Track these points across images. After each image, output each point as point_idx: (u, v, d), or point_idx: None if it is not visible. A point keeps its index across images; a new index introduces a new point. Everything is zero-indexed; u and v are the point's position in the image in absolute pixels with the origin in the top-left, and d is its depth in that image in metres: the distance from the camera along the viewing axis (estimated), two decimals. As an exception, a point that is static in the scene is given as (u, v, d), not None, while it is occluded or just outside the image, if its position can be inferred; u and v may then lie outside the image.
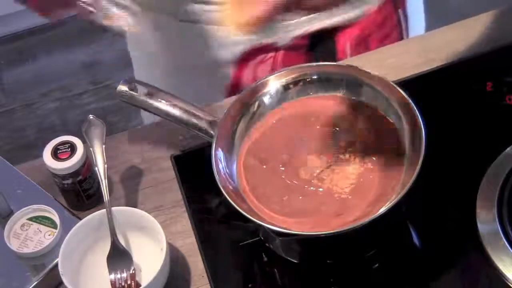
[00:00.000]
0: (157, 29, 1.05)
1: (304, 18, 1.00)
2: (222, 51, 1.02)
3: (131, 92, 0.89)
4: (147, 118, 1.07)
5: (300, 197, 0.81)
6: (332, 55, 1.03)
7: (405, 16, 1.07)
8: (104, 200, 0.85)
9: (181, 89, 0.97)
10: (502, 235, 0.82)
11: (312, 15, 1.00)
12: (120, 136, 1.01)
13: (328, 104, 0.88)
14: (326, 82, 0.89)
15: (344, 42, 1.03)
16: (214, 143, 0.84)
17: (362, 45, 1.03)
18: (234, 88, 1.04)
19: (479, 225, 0.84)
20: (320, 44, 1.03)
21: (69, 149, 0.88)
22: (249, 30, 0.96)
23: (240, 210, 0.78)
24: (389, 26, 1.05)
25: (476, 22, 1.06)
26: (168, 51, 1.08)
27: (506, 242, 0.81)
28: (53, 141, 0.90)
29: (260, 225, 0.79)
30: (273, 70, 1.03)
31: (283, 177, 0.83)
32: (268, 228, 0.79)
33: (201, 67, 1.03)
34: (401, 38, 1.08)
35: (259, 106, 0.88)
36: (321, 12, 1.01)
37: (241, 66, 1.04)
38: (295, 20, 1.00)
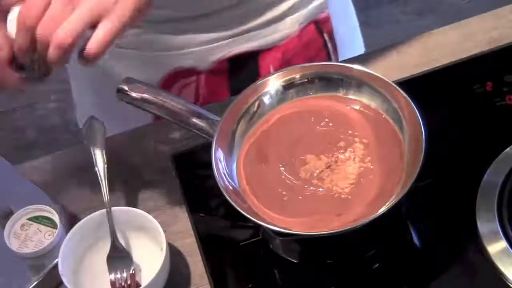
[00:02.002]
0: None
1: (222, 42, 1.01)
2: (145, 75, 1.02)
3: (130, 91, 0.89)
4: (147, 118, 1.07)
5: (300, 197, 0.81)
6: (255, 79, 1.03)
7: (332, 39, 1.07)
8: (104, 200, 0.85)
9: (109, 113, 0.97)
10: (502, 235, 0.82)
11: (229, 40, 1.01)
12: (120, 136, 1.01)
13: (328, 104, 0.88)
14: (326, 82, 0.89)
15: (267, 65, 1.03)
16: (214, 143, 0.84)
17: (286, 67, 1.03)
18: None
19: (479, 225, 0.83)
20: (242, 67, 1.03)
21: None
22: None
23: (240, 210, 0.78)
24: (313, 49, 1.05)
25: (476, 22, 1.06)
26: (92, 77, 1.08)
27: (506, 242, 0.81)
28: None
29: (260, 225, 0.79)
30: (196, 95, 1.04)
31: (283, 177, 0.83)
32: (268, 228, 0.79)
33: None
34: (329, 60, 1.08)
35: (259, 106, 0.88)
36: (240, 36, 1.01)
37: (164, 89, 1.04)
38: (212, 45, 1.01)
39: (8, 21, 0.75)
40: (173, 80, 1.03)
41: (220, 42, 1.01)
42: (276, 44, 1.03)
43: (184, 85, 1.04)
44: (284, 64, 1.03)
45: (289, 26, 1.02)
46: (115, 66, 1.03)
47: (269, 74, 1.02)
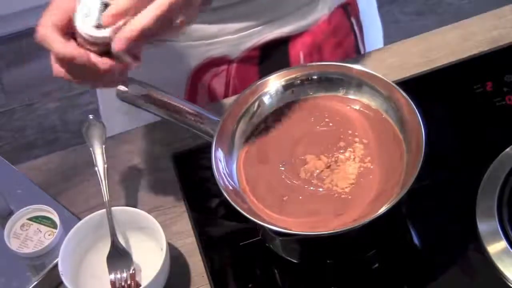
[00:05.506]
0: None
1: (253, 29, 1.00)
2: (175, 67, 1.02)
3: (131, 92, 0.89)
4: (147, 118, 1.07)
5: (300, 197, 0.81)
6: (285, 65, 1.02)
7: (359, 24, 1.07)
8: (104, 200, 0.85)
9: (131, 108, 0.97)
10: (502, 235, 0.82)
11: (261, 27, 1.01)
12: (120, 136, 1.01)
13: (328, 104, 0.88)
14: (326, 82, 0.89)
15: (297, 51, 1.03)
16: (214, 143, 0.84)
17: (315, 53, 1.03)
18: None
19: (479, 225, 0.83)
20: (272, 54, 1.03)
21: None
22: None
23: (240, 210, 0.78)
24: (341, 34, 1.05)
25: (476, 22, 1.06)
26: None
27: (506, 242, 0.81)
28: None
29: (260, 225, 0.79)
30: (227, 83, 1.04)
31: (283, 177, 0.83)
32: (268, 228, 0.79)
33: (155, 84, 1.01)
34: (356, 46, 1.08)
35: (259, 106, 0.88)
36: (270, 23, 1.01)
37: (194, 81, 1.04)
38: (244, 33, 1.00)
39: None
40: (204, 70, 1.03)
41: (252, 30, 1.00)
42: (306, 29, 1.02)
43: (215, 74, 1.04)
44: (314, 49, 1.03)
45: (320, 10, 1.02)
46: (144, 60, 1.03)
47: (299, 61, 1.03)
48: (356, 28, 1.07)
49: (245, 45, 1.01)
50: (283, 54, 1.03)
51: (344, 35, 1.06)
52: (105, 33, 0.73)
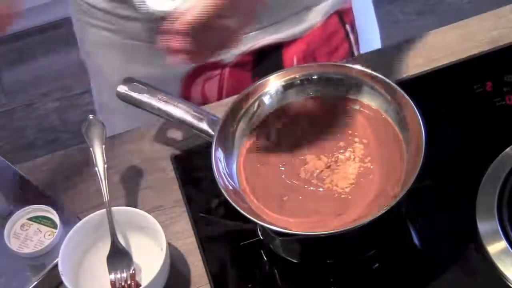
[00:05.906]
0: (101, 46, 1.05)
1: (248, 35, 1.00)
2: (168, 70, 1.02)
3: (131, 92, 0.89)
4: (147, 118, 1.07)
5: (300, 197, 0.81)
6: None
7: (354, 31, 1.07)
8: (104, 200, 0.85)
9: (129, 108, 0.97)
10: (502, 235, 0.82)
11: (255, 32, 1.00)
12: (120, 136, 1.01)
13: (328, 104, 0.88)
14: (326, 82, 0.89)
15: (291, 57, 1.03)
16: (214, 143, 0.84)
17: (309, 59, 1.03)
18: None
19: (479, 225, 0.83)
20: (265, 60, 1.03)
21: None
22: None
23: (240, 210, 0.78)
24: (336, 40, 1.05)
25: (476, 22, 1.06)
26: (114, 69, 1.08)
27: (506, 242, 0.81)
28: None
29: (260, 225, 0.79)
30: (220, 88, 1.04)
31: (283, 177, 0.83)
32: (268, 228, 0.79)
33: None
34: (351, 52, 1.08)
35: (259, 106, 0.88)
36: (265, 28, 1.01)
37: (187, 84, 1.04)
38: None
39: None
40: (198, 74, 1.03)
41: (247, 34, 1.00)
42: (301, 35, 1.02)
43: (208, 78, 1.04)
44: (307, 55, 1.03)
45: (314, 17, 1.02)
46: (139, 62, 1.03)
47: (292, 66, 1.02)
48: (351, 35, 1.07)
49: (239, 49, 1.01)
50: (277, 59, 1.03)
51: (339, 42, 1.06)
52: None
